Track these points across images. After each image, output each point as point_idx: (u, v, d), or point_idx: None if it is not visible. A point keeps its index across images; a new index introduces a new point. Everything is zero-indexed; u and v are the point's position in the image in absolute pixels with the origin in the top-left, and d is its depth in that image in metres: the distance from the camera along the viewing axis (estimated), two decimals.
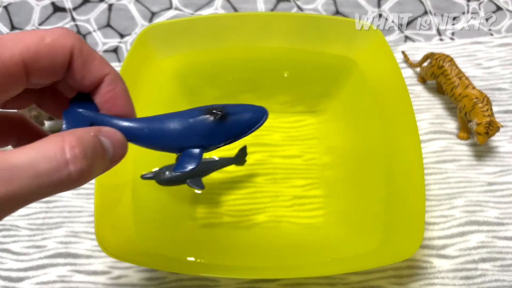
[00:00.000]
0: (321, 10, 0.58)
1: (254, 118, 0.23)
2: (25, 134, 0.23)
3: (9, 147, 0.23)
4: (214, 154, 0.46)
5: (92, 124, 0.21)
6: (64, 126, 0.21)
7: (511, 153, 0.47)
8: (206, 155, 0.45)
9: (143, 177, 0.40)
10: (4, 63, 0.18)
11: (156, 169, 0.40)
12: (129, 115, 0.22)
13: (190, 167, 0.21)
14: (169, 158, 0.40)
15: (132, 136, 0.22)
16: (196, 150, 0.22)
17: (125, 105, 0.22)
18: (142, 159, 0.40)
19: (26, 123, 0.24)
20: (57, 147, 0.17)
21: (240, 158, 0.44)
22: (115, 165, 0.21)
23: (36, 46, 0.19)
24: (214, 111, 0.21)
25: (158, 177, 0.40)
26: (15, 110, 0.24)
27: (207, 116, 0.21)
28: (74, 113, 0.21)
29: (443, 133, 0.48)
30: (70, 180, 0.18)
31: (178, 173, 0.41)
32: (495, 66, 0.52)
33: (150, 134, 0.22)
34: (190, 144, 0.22)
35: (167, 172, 0.40)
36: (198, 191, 0.45)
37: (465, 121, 0.46)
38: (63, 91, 0.22)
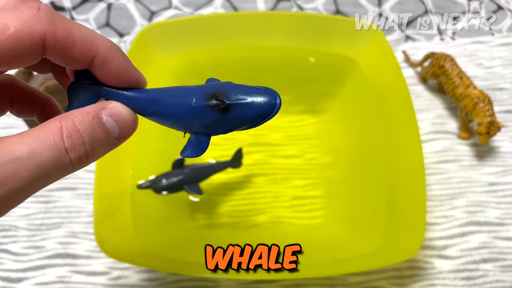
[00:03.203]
0: (321, 10, 0.58)
1: (262, 108, 0.20)
2: (17, 96, 0.22)
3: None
4: (210, 158, 0.45)
5: (99, 98, 0.20)
6: (68, 105, 0.20)
7: None
8: (204, 159, 0.45)
9: (140, 186, 0.39)
10: None
11: (153, 177, 0.39)
12: (138, 86, 0.21)
13: (196, 154, 0.21)
14: (166, 165, 0.40)
15: (139, 108, 0.20)
16: (204, 138, 0.21)
17: (128, 80, 0.20)
18: (141, 165, 0.40)
19: (16, 84, 0.22)
20: (56, 134, 0.17)
21: (236, 161, 0.44)
22: (125, 140, 0.20)
23: None
24: (215, 101, 0.20)
25: (155, 186, 0.39)
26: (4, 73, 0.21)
27: (209, 106, 0.20)
28: (80, 88, 0.20)
29: (444, 133, 0.48)
30: (73, 166, 0.18)
31: (175, 179, 0.40)
32: (496, 66, 0.52)
33: (155, 111, 0.20)
34: (196, 130, 0.21)
35: (164, 180, 0.39)
36: (196, 198, 0.45)
37: (466, 121, 0.46)
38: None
